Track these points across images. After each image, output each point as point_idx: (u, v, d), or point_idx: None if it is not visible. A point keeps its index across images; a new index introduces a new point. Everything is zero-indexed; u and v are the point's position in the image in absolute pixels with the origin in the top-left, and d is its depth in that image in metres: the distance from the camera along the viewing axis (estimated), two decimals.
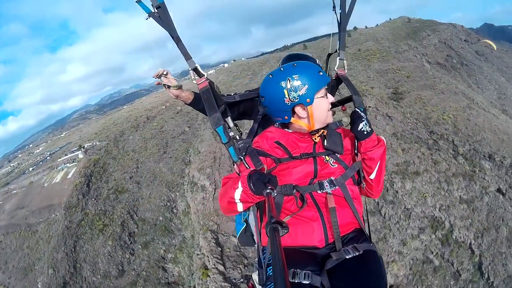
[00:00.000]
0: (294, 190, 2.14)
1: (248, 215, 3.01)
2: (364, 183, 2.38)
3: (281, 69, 2.27)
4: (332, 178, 2.20)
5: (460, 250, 34.76)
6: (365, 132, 2.25)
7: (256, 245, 2.49)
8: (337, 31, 2.95)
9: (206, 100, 2.49)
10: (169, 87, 2.63)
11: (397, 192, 38.95)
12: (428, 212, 37.67)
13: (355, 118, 2.31)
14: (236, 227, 3.30)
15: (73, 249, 44.58)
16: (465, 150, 41.89)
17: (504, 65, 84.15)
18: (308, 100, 2.18)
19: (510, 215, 36.74)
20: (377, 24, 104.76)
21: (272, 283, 1.81)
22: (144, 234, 45.46)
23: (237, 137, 2.58)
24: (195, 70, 2.60)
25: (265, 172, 2.14)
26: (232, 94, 3.17)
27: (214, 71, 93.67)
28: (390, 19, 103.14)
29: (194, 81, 2.61)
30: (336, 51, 2.97)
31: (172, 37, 2.53)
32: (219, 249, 37.52)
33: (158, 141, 59.69)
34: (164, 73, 2.59)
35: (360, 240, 2.09)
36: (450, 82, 57.36)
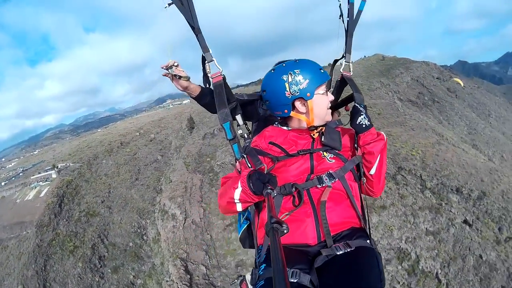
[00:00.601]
0: (293, 188, 2.15)
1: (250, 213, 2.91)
2: (364, 178, 2.39)
3: (283, 64, 2.33)
4: (331, 171, 2.21)
5: (427, 279, 35.52)
6: (364, 126, 2.29)
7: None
8: (342, 37, 3.03)
9: (218, 95, 2.51)
10: (180, 77, 2.63)
11: None
12: (394, 244, 38.48)
13: (354, 112, 2.37)
14: (238, 227, 3.28)
15: (43, 268, 44.96)
16: (433, 185, 42.68)
17: (475, 101, 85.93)
18: (308, 94, 2.23)
19: (477, 245, 37.25)
20: (352, 61, 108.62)
21: (261, 282, 1.83)
22: (114, 258, 46.09)
23: (245, 135, 2.72)
24: (211, 63, 2.60)
25: (265, 171, 2.16)
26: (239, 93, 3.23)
27: (189, 101, 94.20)
28: (364, 56, 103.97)
29: (209, 75, 2.62)
30: (342, 56, 3.03)
31: (193, 28, 2.53)
32: (188, 276, 38.55)
33: (130, 168, 60.38)
34: (175, 64, 2.60)
35: (354, 237, 2.07)
36: (420, 118, 58.65)
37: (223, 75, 2.60)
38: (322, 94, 2.33)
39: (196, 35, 2.54)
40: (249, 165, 2.24)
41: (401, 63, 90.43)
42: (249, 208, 2.41)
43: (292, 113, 2.33)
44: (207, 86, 2.81)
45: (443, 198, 41.22)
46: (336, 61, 3.12)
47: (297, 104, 2.30)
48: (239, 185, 2.07)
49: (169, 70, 2.60)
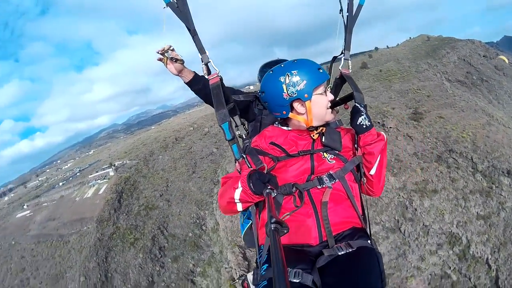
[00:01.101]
0: (294, 189, 2.16)
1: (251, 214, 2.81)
2: (364, 179, 2.39)
3: (281, 65, 2.33)
4: (331, 172, 2.22)
5: (477, 265, 35.32)
6: (364, 126, 2.30)
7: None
8: (343, 33, 3.00)
9: (216, 96, 2.54)
10: (176, 60, 2.69)
11: (415, 209, 40.10)
12: (445, 229, 38.40)
13: (354, 113, 2.37)
14: (241, 227, 3.37)
15: (104, 260, 47.80)
16: (484, 167, 41.85)
17: None
18: (306, 95, 2.23)
19: None
20: (398, 44, 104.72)
21: (264, 282, 1.86)
22: (174, 248, 48.27)
23: (243, 135, 2.74)
24: (208, 65, 2.64)
25: (265, 171, 2.17)
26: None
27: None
28: (410, 37, 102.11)
29: (206, 76, 2.64)
30: (341, 53, 2.99)
31: (189, 30, 2.58)
32: (246, 262, 39.42)
33: (187, 161, 62.64)
34: (171, 48, 2.65)
35: (355, 237, 2.08)
36: (470, 99, 57.44)
37: (220, 76, 2.65)
38: (321, 94, 2.33)
39: (192, 37, 2.60)
40: (249, 165, 2.25)
41: (446, 43, 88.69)
42: (249, 208, 2.37)
43: (291, 115, 2.33)
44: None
45: (494, 181, 40.74)
46: (335, 57, 3.08)
47: (296, 105, 2.29)
48: (239, 185, 2.08)
49: (165, 54, 2.66)
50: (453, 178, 42.67)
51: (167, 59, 2.70)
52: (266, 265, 1.97)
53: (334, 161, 2.27)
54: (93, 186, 63.84)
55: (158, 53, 2.66)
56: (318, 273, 1.86)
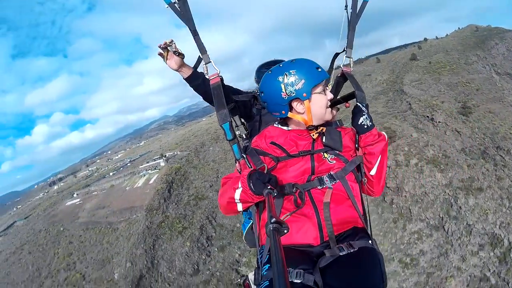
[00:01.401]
0: (294, 189, 2.15)
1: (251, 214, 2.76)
2: (365, 179, 2.39)
3: (280, 65, 2.33)
4: (332, 172, 2.23)
5: None
6: (365, 126, 2.29)
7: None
8: (348, 30, 2.96)
9: (216, 96, 2.57)
10: (179, 54, 2.66)
11: (460, 208, 39.89)
12: (488, 229, 37.82)
13: (356, 112, 2.37)
14: (242, 226, 3.39)
15: (152, 247, 49.56)
16: None
17: None
18: (304, 94, 2.23)
19: None
20: (447, 34, 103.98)
21: (266, 282, 1.85)
22: (221, 238, 49.48)
23: (243, 135, 2.84)
24: (208, 64, 2.67)
25: (266, 171, 2.16)
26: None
27: None
28: (458, 28, 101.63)
29: (207, 76, 2.67)
30: (343, 50, 2.94)
31: (190, 30, 2.62)
32: None
33: None
34: (173, 43, 2.63)
35: (357, 237, 2.08)
36: None
37: (221, 76, 2.68)
38: (320, 93, 2.32)
39: (194, 36, 2.64)
40: (250, 165, 2.28)
41: (495, 33, 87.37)
42: (250, 208, 2.36)
43: (290, 114, 2.33)
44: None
45: None
46: (337, 54, 3.04)
47: (294, 104, 2.29)
48: (240, 185, 2.07)
49: (169, 47, 2.64)
50: (499, 177, 42.12)
51: (167, 54, 2.68)
52: (268, 265, 1.98)
53: (335, 162, 2.28)
54: (144, 176, 66.45)
55: (160, 47, 2.64)
56: (320, 274, 1.87)
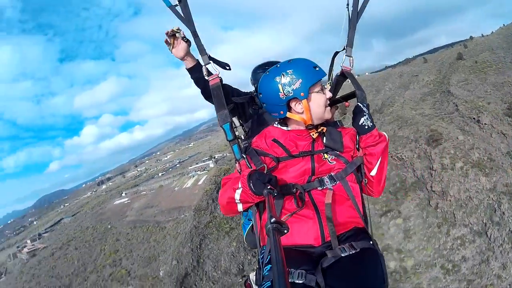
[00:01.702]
0: (294, 189, 2.16)
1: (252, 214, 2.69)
2: (365, 179, 2.39)
3: (277, 66, 2.34)
4: (332, 173, 2.24)
5: None
6: (366, 127, 2.30)
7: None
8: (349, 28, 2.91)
9: (216, 97, 2.59)
10: (187, 40, 2.71)
11: (503, 213, 39.18)
12: None
13: (356, 112, 2.37)
14: (242, 227, 3.39)
15: (198, 246, 51.70)
16: None
17: None
18: (302, 94, 2.23)
19: None
20: (492, 32, 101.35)
21: (268, 283, 1.86)
22: None
23: (242, 136, 2.89)
24: (208, 66, 2.69)
25: (265, 171, 2.17)
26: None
27: None
28: (504, 24, 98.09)
29: (206, 77, 2.68)
30: (343, 48, 2.87)
31: (190, 31, 2.66)
32: None
33: None
34: (181, 30, 2.70)
35: (358, 238, 2.08)
36: None
37: (220, 77, 2.70)
38: (318, 92, 2.32)
39: (194, 38, 2.67)
40: (250, 166, 2.28)
41: None
42: (250, 208, 2.35)
43: (288, 114, 2.33)
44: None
45: None
46: (336, 53, 2.99)
47: (293, 104, 2.29)
48: (240, 185, 2.07)
49: (177, 34, 2.69)
50: None
51: (174, 41, 2.73)
52: (269, 265, 1.99)
53: (335, 162, 2.28)
54: (193, 177, 69.23)
55: (167, 34, 2.71)
56: (321, 274, 1.87)
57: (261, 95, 2.37)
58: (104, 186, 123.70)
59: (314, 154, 2.27)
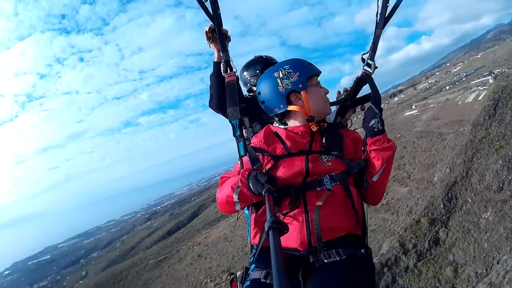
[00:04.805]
0: (292, 190, 2.19)
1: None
2: (367, 183, 2.36)
3: (273, 66, 2.52)
4: (333, 173, 2.24)
5: None
6: (376, 129, 2.26)
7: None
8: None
9: (230, 94, 2.74)
10: (226, 37, 2.90)
11: None
12: None
13: (368, 114, 2.35)
14: (248, 229, 3.25)
15: (470, 159, 57.96)
16: None
17: None
18: (300, 85, 2.34)
19: None
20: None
21: (247, 282, 1.98)
22: None
23: (250, 138, 2.83)
24: (227, 63, 2.86)
25: (264, 171, 2.22)
26: None
27: None
28: None
29: (224, 74, 2.84)
30: (368, 52, 2.83)
31: (217, 28, 2.87)
32: None
33: None
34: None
35: (349, 245, 2.08)
36: None
37: (237, 75, 2.89)
38: (315, 85, 2.45)
39: (219, 36, 2.88)
40: (249, 164, 2.34)
41: None
42: (246, 208, 2.45)
43: (289, 107, 2.40)
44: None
45: None
46: (363, 54, 2.88)
47: (292, 97, 2.40)
48: (239, 184, 2.13)
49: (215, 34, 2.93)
50: None
51: (213, 36, 3.02)
52: (254, 265, 2.11)
53: (330, 163, 2.29)
54: (474, 92, 73.20)
55: (208, 30, 3.01)
56: (300, 279, 1.90)
57: (260, 95, 2.52)
58: (396, 98, 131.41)
59: (309, 154, 2.31)
